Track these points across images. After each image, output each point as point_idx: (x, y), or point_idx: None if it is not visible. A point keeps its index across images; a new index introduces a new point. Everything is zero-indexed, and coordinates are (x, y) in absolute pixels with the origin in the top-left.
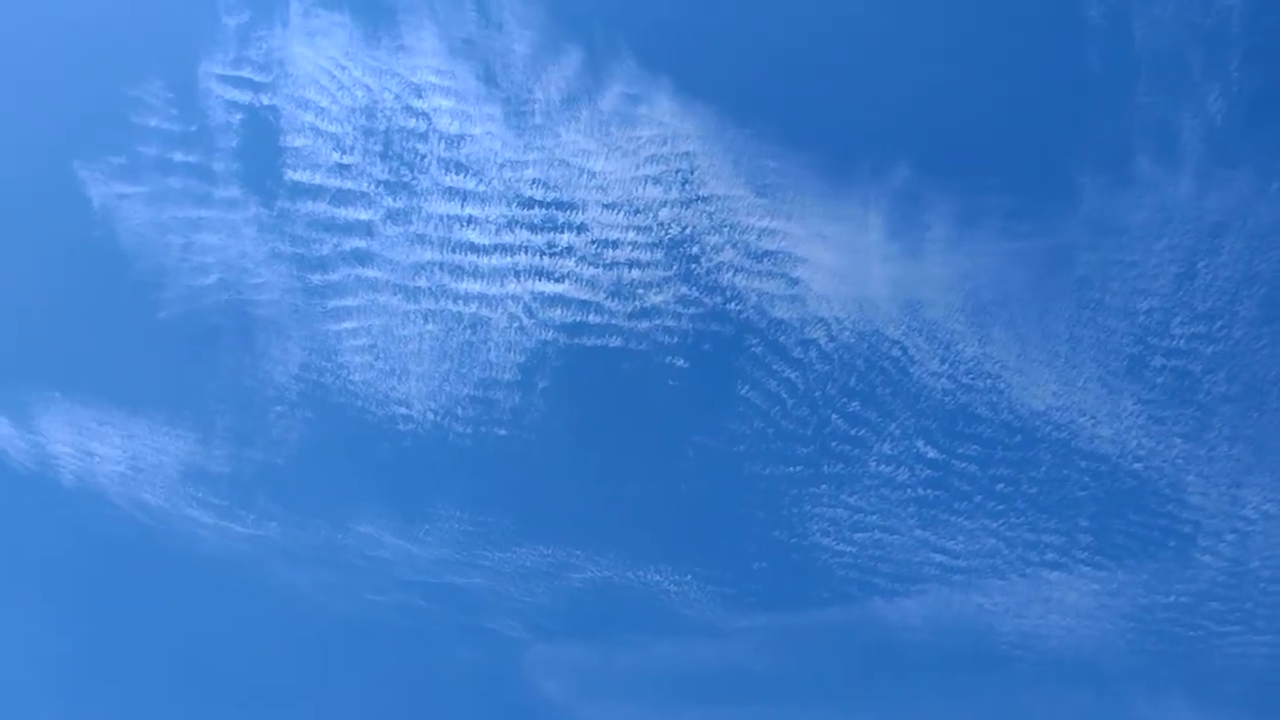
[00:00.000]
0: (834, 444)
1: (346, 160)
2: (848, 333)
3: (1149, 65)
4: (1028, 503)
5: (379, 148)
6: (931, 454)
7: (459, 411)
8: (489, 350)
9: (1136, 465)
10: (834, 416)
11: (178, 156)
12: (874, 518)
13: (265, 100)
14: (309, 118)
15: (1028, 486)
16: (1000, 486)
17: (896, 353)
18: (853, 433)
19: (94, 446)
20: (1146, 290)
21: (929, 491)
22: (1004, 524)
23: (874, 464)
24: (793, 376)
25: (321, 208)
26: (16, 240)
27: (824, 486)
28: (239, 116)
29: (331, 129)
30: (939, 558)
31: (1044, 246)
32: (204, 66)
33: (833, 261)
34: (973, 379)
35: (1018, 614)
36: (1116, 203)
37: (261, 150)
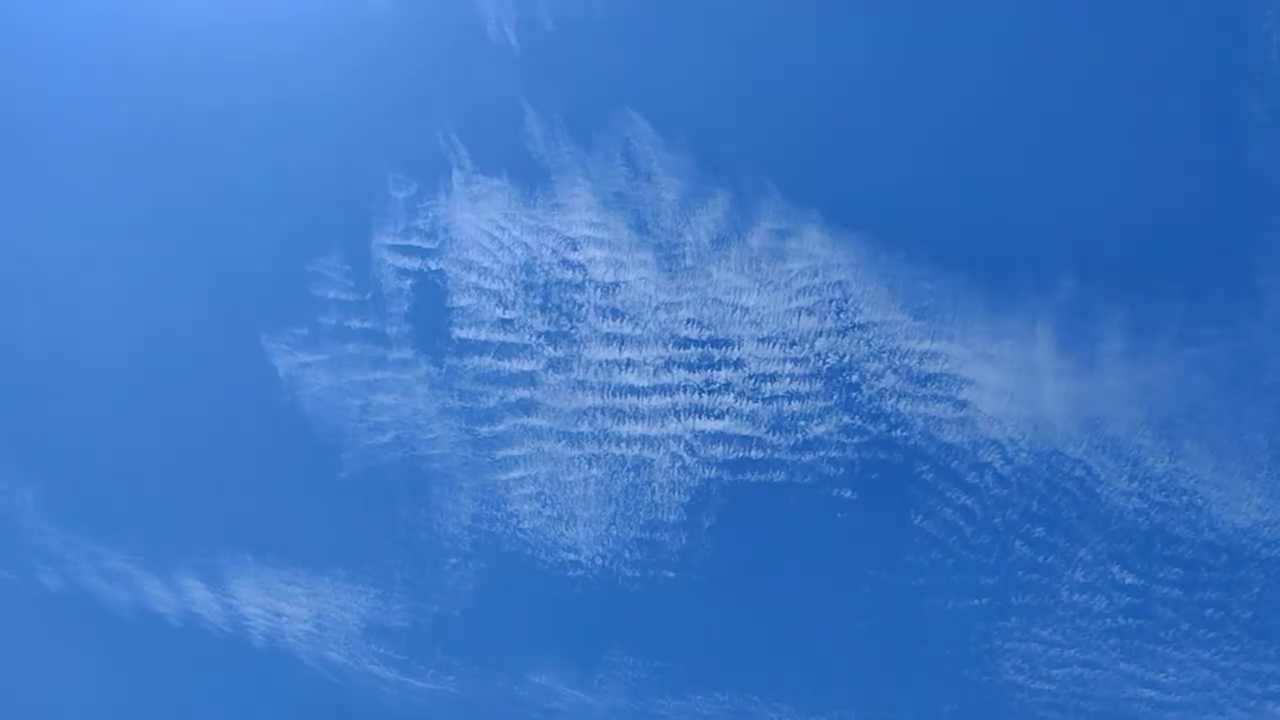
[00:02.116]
0: (1020, 573)
1: (509, 315)
2: (1024, 454)
3: None
4: (1242, 629)
5: (539, 300)
6: (1129, 580)
7: (626, 555)
8: (653, 491)
9: None
10: (1018, 543)
11: (354, 324)
12: (1072, 651)
13: (433, 265)
14: (473, 278)
15: (1240, 611)
16: (1209, 612)
17: (1080, 473)
18: (1040, 560)
19: (282, 607)
20: None
21: (1130, 621)
22: (1218, 653)
23: (1067, 593)
24: (969, 503)
25: (487, 362)
26: (210, 412)
27: (1013, 619)
28: (409, 282)
29: (494, 286)
30: (1149, 693)
31: (1229, 351)
32: (376, 239)
33: (1001, 381)
34: (1166, 496)
35: None
36: None
37: (430, 312)
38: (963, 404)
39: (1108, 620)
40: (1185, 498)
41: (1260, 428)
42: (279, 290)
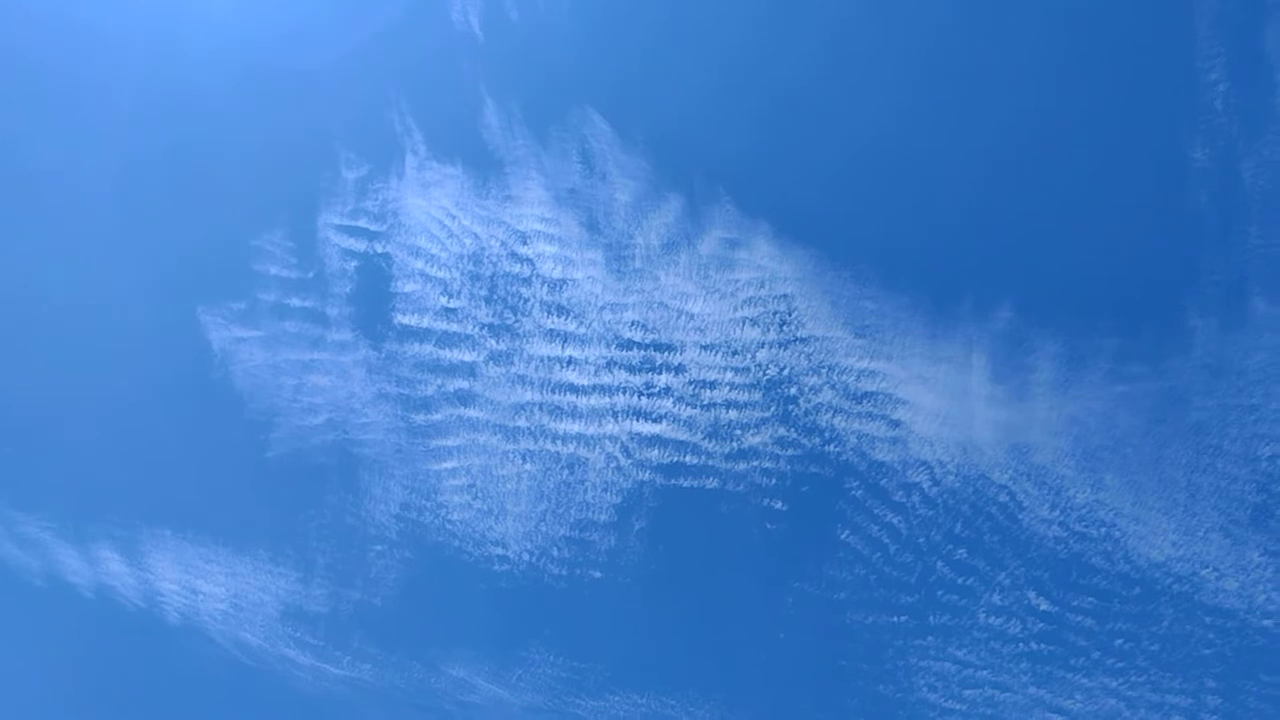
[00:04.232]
0: (940, 593)
1: (453, 304)
2: (952, 477)
3: (1260, 206)
4: (1150, 660)
5: (484, 292)
6: (1044, 606)
7: (555, 552)
8: (586, 491)
9: (1266, 622)
10: (939, 564)
11: (294, 302)
12: (984, 673)
13: (379, 248)
14: (419, 264)
15: (1149, 643)
16: (1119, 642)
17: (1004, 498)
18: (960, 582)
19: (199, 584)
20: (1268, 436)
21: (1043, 646)
22: (1124, 683)
23: (983, 615)
24: (895, 521)
25: (427, 350)
26: (137, 380)
27: (930, 638)
28: (353, 264)
29: (440, 274)
30: (1055, 718)
31: (1156, 390)
32: (323, 217)
33: (935, 404)
34: (1085, 527)
35: None
36: (1232, 345)
37: (373, 295)
38: (896, 423)
39: (1021, 644)
40: (1104, 529)
41: (1180, 466)
42: (219, 262)
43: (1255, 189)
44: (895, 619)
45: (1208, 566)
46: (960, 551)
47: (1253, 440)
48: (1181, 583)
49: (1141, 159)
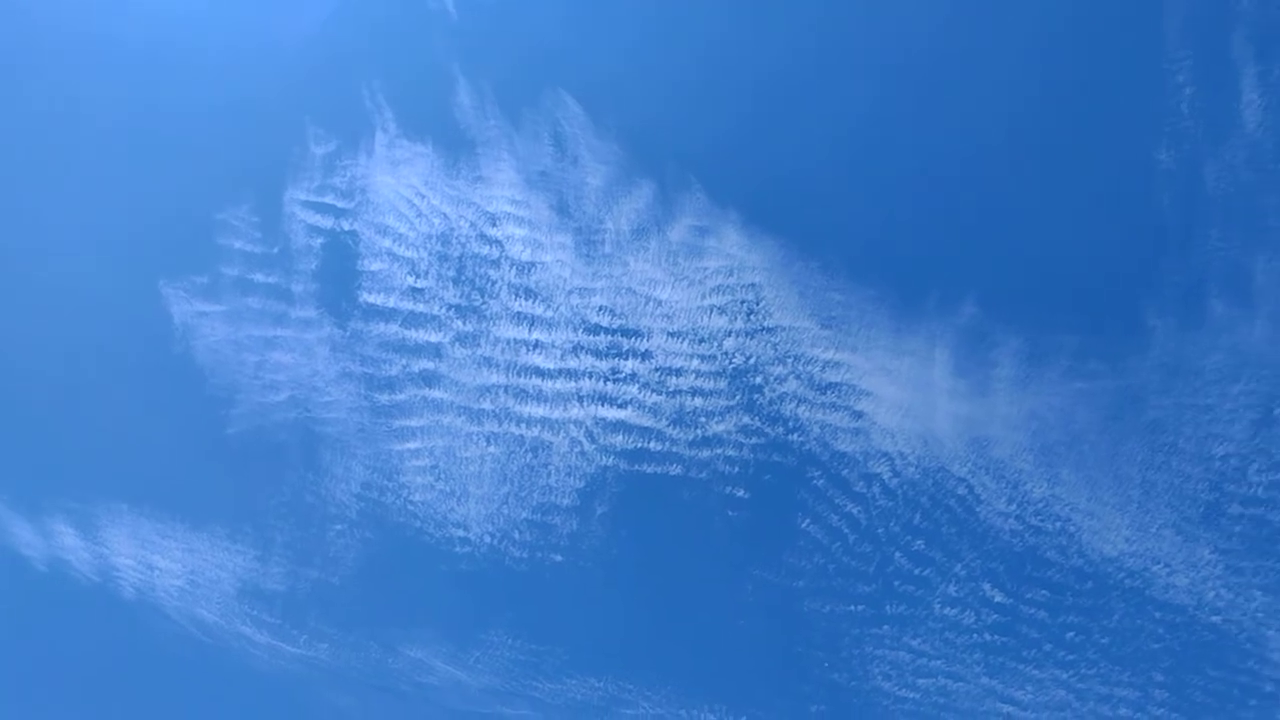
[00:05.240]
0: (897, 583)
1: (420, 284)
2: (912, 469)
3: (1221, 210)
4: (1100, 653)
5: (452, 273)
6: (999, 598)
7: (516, 535)
8: (549, 474)
9: (1215, 618)
10: (897, 554)
11: (258, 277)
12: (938, 663)
13: (346, 226)
14: (387, 243)
15: (1100, 636)
16: (1071, 635)
17: (962, 491)
18: (917, 572)
19: (155, 560)
20: (1222, 435)
21: (996, 637)
22: (1075, 675)
23: (939, 606)
24: (855, 511)
25: (393, 330)
26: (96, 352)
27: (886, 627)
28: (320, 240)
29: (408, 254)
30: (1007, 709)
31: (1114, 388)
32: (290, 193)
33: (897, 396)
34: (1041, 521)
35: None
36: (1189, 345)
37: (339, 273)
38: (859, 414)
39: (974, 635)
40: (1059, 523)
41: (1135, 463)
42: (183, 235)
43: (1217, 193)
44: (853, 608)
45: (1159, 562)
46: (918, 542)
47: (1207, 439)
48: (1133, 578)
49: (1107, 160)
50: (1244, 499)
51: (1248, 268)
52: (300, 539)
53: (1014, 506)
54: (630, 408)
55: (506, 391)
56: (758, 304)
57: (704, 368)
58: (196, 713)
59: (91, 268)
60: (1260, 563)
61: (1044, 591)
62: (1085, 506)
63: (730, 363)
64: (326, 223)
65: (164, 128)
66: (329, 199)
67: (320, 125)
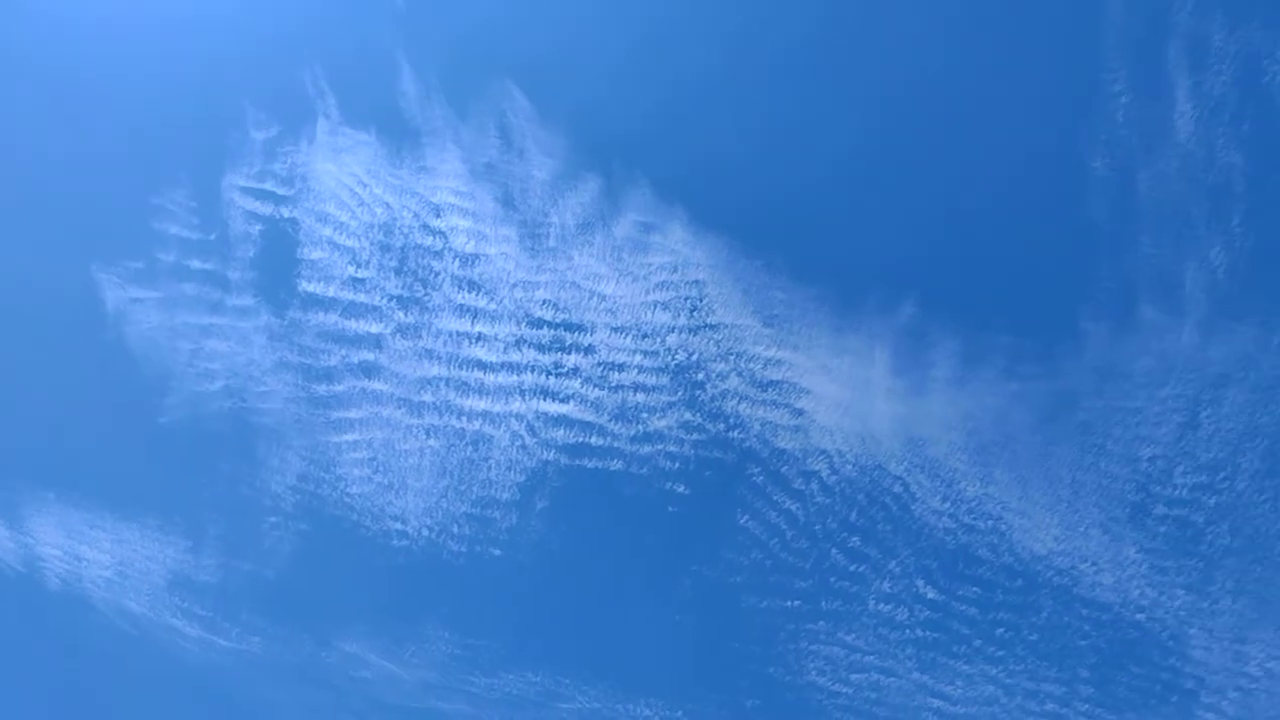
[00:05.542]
0: (833, 579)
1: (361, 274)
2: (850, 466)
3: (1153, 217)
4: (1028, 650)
5: (394, 263)
6: (931, 594)
7: (455, 529)
8: (489, 468)
9: (1139, 616)
10: (834, 551)
11: (194, 264)
12: (871, 658)
13: (285, 213)
14: (327, 231)
15: (1028, 633)
16: (1000, 631)
17: (898, 489)
18: (852, 569)
19: (83, 550)
20: (1149, 438)
21: (928, 633)
22: (1003, 670)
23: (873, 602)
24: (793, 508)
25: (332, 319)
26: (26, 338)
27: (821, 623)
28: (258, 227)
29: (349, 243)
30: (937, 703)
31: (1047, 389)
32: (228, 178)
33: (837, 394)
34: (974, 519)
35: None
36: (1120, 349)
37: (278, 261)
38: (799, 412)
39: (908, 631)
40: (991, 522)
41: (1066, 464)
42: (117, 219)
43: (1149, 200)
44: (789, 603)
45: (1087, 561)
46: (854, 539)
47: (1135, 442)
48: (1062, 576)
49: (1044, 166)
50: (1169, 500)
51: (1178, 275)
52: (234, 530)
53: (948, 505)
54: (572, 402)
55: (447, 384)
56: (701, 301)
57: (647, 363)
58: (124, 707)
59: (21, 250)
60: (1183, 562)
61: (975, 589)
62: (1017, 505)
63: (673, 359)
64: (266, 209)
65: (99, 108)
66: (269, 185)
67: (261, 110)
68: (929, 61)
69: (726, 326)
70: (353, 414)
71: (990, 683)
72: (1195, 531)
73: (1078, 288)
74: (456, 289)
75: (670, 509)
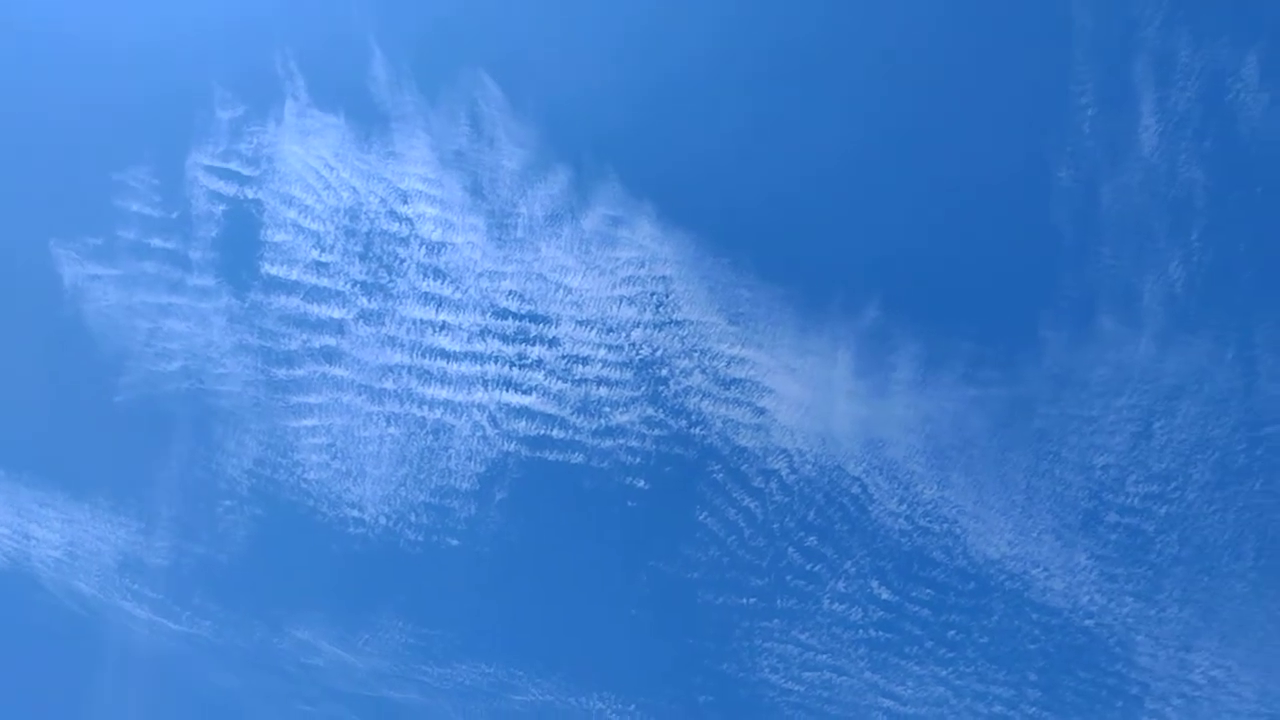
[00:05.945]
0: (789, 578)
1: (325, 259)
2: (809, 466)
3: (1115, 229)
4: (978, 652)
5: (359, 249)
6: (885, 595)
7: (412, 518)
8: (449, 458)
9: (1088, 621)
10: (790, 550)
11: (155, 242)
12: (824, 657)
13: (250, 194)
14: (292, 214)
15: (979, 635)
16: (952, 634)
17: (856, 490)
18: (808, 568)
19: (32, 529)
20: (1103, 446)
21: (880, 634)
22: (953, 672)
23: (828, 601)
24: (752, 506)
25: (294, 303)
26: None
27: (776, 621)
28: (221, 208)
29: (313, 227)
30: (887, 703)
31: (1005, 396)
32: (193, 157)
33: (799, 394)
34: (930, 522)
35: None
36: (1078, 358)
37: (240, 242)
38: (761, 411)
39: (861, 631)
40: (946, 525)
41: (1021, 469)
42: (78, 194)
43: (1111, 212)
44: (745, 601)
45: (1038, 566)
46: (811, 539)
47: (1089, 450)
48: (1014, 580)
49: (1010, 175)
50: (1120, 508)
51: (1136, 287)
52: (187, 513)
53: (904, 507)
54: (535, 394)
55: (410, 372)
56: (667, 297)
57: (611, 357)
58: (70, 688)
59: None
60: (1132, 570)
61: (929, 590)
62: (972, 509)
63: (637, 354)
64: (230, 190)
65: (63, 81)
66: (234, 165)
67: (228, 89)
68: (901, 70)
69: (692, 323)
70: (312, 399)
71: (940, 684)
72: (1145, 540)
73: (1039, 296)
74: (421, 276)
75: (630, 504)
